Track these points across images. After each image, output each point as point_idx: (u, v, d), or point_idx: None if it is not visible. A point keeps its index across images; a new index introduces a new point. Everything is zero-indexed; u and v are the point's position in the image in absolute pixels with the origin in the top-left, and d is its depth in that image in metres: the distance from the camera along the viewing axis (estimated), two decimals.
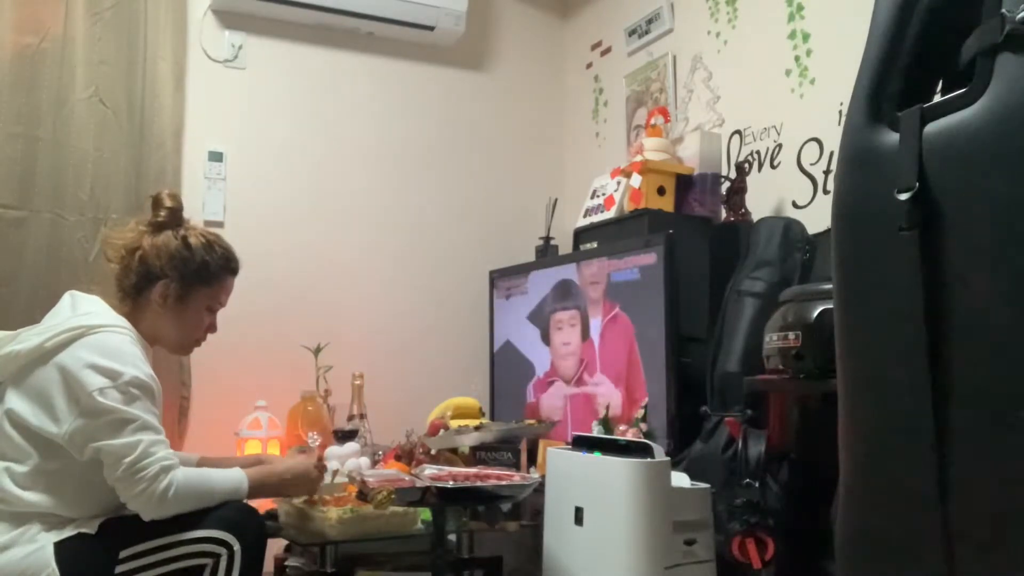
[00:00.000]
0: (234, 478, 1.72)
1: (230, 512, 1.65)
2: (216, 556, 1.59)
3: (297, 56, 3.09)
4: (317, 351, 2.67)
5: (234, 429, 2.60)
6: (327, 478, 2.04)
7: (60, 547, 1.56)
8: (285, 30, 3.06)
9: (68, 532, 1.59)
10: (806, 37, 2.40)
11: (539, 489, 1.91)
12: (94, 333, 1.65)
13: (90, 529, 1.59)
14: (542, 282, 2.80)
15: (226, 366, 2.77)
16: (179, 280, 1.79)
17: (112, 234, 1.89)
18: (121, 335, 1.68)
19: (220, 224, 2.89)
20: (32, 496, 1.60)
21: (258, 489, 1.78)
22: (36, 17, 2.63)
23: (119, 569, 1.56)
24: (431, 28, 3.12)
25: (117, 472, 1.57)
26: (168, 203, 1.84)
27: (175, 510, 1.60)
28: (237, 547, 1.60)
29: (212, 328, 1.90)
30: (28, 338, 1.65)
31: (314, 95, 3.10)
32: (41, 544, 1.56)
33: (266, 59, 3.03)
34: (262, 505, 2.05)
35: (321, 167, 3.10)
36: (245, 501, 1.72)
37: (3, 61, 2.58)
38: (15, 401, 1.63)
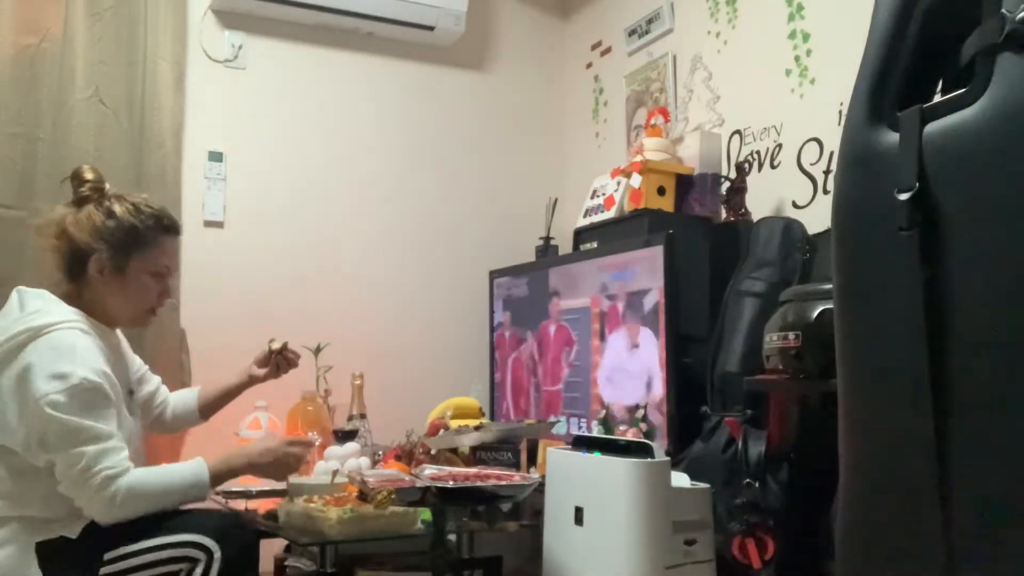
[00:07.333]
0: (191, 468, 1.71)
1: (215, 520, 1.67)
2: (194, 561, 1.59)
3: (297, 56, 3.08)
4: (317, 351, 2.66)
5: (234, 429, 2.59)
6: (327, 478, 2.04)
7: (42, 547, 1.57)
8: (285, 30, 3.06)
9: (50, 535, 1.59)
10: (806, 37, 2.40)
11: (539, 489, 1.91)
12: (44, 334, 1.60)
13: (71, 533, 1.60)
14: (543, 282, 2.80)
15: (226, 366, 2.77)
16: (110, 251, 1.72)
17: (38, 221, 1.83)
18: (70, 330, 1.63)
19: (220, 224, 2.89)
20: (9, 498, 1.60)
21: (223, 473, 1.76)
22: (36, 17, 2.63)
23: (102, 571, 1.57)
24: (431, 28, 3.12)
25: (66, 483, 1.58)
26: (88, 175, 1.77)
27: (129, 514, 1.60)
28: (218, 554, 1.60)
29: (165, 295, 1.82)
30: None
31: (314, 95, 3.10)
32: (23, 545, 1.57)
33: (266, 59, 3.03)
34: (262, 505, 2.05)
35: (321, 167, 3.10)
36: (218, 490, 1.72)
37: (3, 61, 2.58)
38: None
